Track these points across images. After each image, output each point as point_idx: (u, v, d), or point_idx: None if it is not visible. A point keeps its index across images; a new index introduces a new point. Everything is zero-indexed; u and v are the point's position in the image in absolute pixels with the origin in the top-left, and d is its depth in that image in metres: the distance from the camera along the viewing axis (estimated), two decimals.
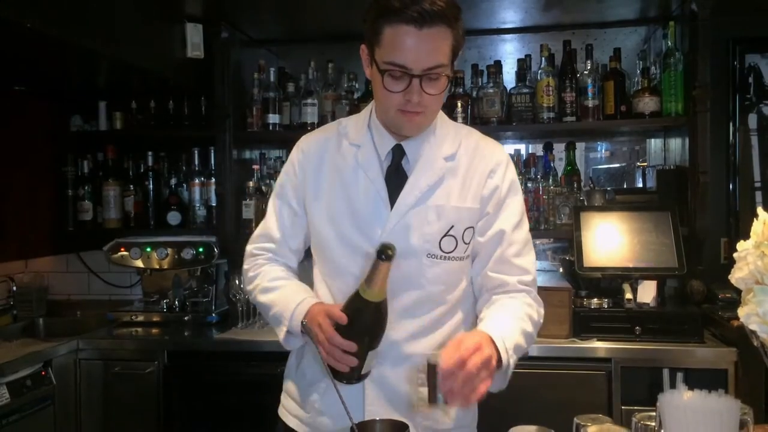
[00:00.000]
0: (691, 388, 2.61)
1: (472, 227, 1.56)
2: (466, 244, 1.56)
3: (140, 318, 3.12)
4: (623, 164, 5.20)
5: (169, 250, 3.07)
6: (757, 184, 3.01)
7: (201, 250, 3.05)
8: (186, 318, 3.09)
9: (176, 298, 3.20)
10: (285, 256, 1.68)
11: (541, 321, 1.58)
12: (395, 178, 1.55)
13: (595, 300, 2.64)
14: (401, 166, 1.56)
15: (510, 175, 1.60)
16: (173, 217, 3.17)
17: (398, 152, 1.56)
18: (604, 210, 2.82)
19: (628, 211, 2.77)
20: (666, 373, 1.10)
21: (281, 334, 1.57)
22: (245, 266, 1.71)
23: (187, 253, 3.06)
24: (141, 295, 3.37)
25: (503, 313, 1.49)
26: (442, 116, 1.61)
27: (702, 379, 2.52)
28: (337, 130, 1.63)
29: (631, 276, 2.63)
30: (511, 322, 1.46)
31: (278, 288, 1.61)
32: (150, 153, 3.25)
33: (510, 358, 1.40)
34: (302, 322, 1.49)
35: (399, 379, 1.53)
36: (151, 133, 3.27)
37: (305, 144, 1.65)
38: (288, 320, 1.53)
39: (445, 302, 1.57)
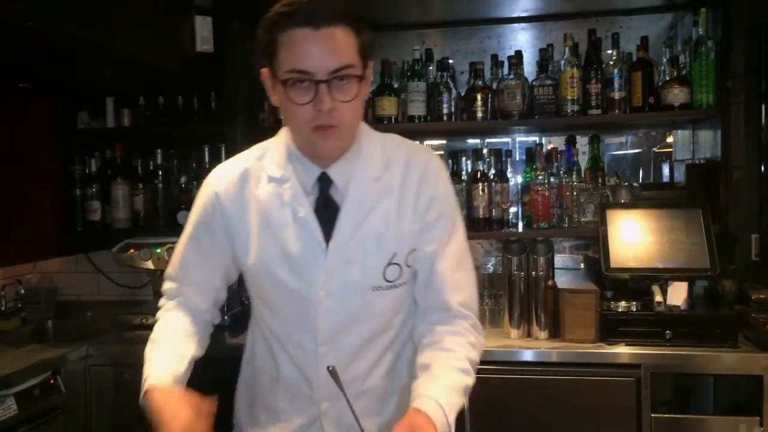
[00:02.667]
0: (723, 395, 2.50)
1: (415, 249, 1.45)
2: (409, 267, 1.45)
3: (151, 321, 3.01)
4: (640, 150, 5.05)
5: None
6: None
7: None
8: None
9: None
10: (190, 296, 1.54)
11: (481, 351, 1.48)
12: (326, 211, 1.42)
13: (623, 302, 2.52)
14: (330, 197, 1.42)
15: (442, 183, 1.48)
16: (183, 217, 3.04)
17: (325, 181, 1.42)
18: (631, 207, 2.70)
19: (656, 209, 2.65)
20: None
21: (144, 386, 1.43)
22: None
23: None
24: (152, 296, 3.30)
25: (445, 379, 1.37)
26: (366, 131, 1.48)
27: (735, 386, 2.44)
28: (255, 163, 1.48)
29: (661, 277, 2.51)
30: (453, 385, 1.36)
31: (158, 342, 1.50)
32: (159, 150, 3.15)
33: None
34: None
35: (358, 414, 1.41)
36: (160, 129, 3.17)
37: (218, 180, 1.49)
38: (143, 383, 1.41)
39: (393, 326, 1.49)
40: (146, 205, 3.14)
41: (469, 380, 1.42)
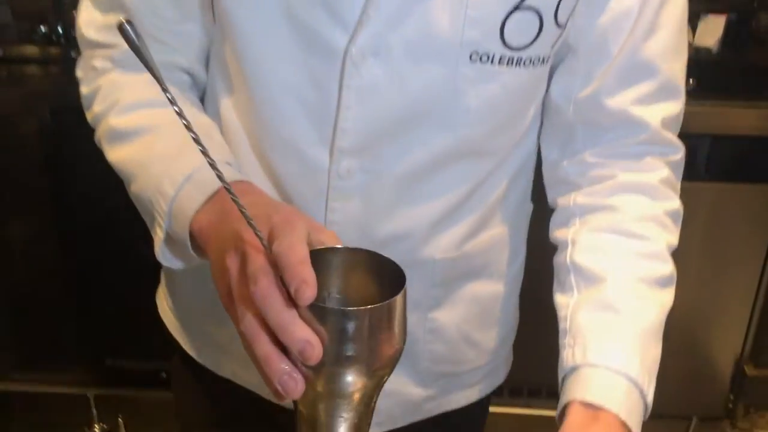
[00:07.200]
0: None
1: None
2: (559, 27, 0.69)
3: (9, 53, 2.37)
4: None
5: None
6: None
7: None
8: (74, 54, 2.33)
9: (58, 24, 2.41)
10: (152, 44, 0.62)
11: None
12: None
13: None
14: None
15: None
16: None
17: None
18: None
19: None
20: None
21: (156, 240, 0.67)
22: (78, 72, 0.79)
23: None
24: (11, 18, 2.54)
25: (637, 314, 0.69)
26: None
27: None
28: None
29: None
30: (651, 325, 0.70)
31: (140, 132, 0.71)
32: None
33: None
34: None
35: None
36: None
37: None
38: (165, 216, 0.65)
39: (495, 153, 0.77)
40: None
41: (670, 295, 0.73)
